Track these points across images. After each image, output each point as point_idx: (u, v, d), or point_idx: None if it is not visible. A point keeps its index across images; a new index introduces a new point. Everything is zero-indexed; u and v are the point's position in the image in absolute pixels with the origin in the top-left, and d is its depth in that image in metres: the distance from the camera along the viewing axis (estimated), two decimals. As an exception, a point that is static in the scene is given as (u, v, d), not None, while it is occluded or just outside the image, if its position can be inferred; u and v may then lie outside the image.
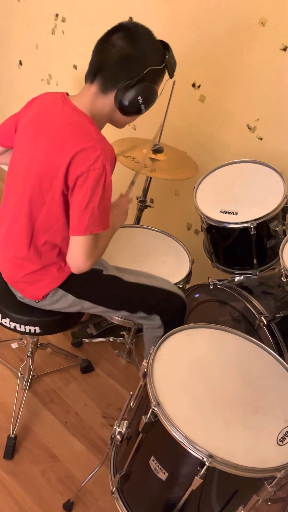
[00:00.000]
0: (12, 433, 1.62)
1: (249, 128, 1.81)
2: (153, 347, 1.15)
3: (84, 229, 1.23)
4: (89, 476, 1.50)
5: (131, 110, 1.24)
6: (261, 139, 1.80)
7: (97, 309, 1.47)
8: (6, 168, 1.42)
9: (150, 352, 1.14)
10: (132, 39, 1.19)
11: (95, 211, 1.21)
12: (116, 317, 1.65)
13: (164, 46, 1.25)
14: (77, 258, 1.29)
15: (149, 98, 1.24)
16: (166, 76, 1.29)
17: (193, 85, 1.90)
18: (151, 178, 1.93)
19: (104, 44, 1.21)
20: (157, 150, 1.79)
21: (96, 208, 1.21)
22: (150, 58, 1.21)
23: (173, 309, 1.51)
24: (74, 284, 1.42)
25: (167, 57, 1.24)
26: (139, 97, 1.21)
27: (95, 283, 1.45)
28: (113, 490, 1.22)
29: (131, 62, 1.20)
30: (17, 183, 1.33)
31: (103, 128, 1.32)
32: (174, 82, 1.69)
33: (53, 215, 1.29)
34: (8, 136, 1.39)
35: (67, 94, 1.29)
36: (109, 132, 1.89)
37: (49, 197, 1.26)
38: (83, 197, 1.20)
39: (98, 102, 1.25)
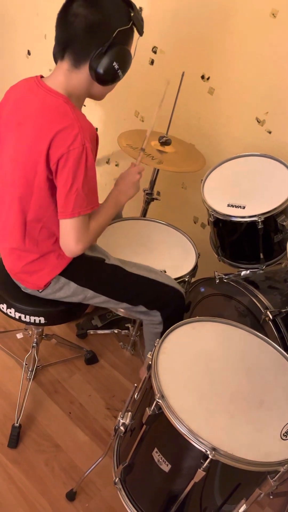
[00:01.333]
0: (17, 422, 1.64)
1: (258, 121, 1.79)
2: (158, 339, 1.16)
3: (71, 211, 1.21)
4: (92, 466, 1.51)
5: (109, 78, 1.21)
6: (270, 132, 1.78)
7: (100, 299, 1.47)
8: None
9: (155, 344, 1.14)
10: (93, 4, 1.14)
11: (80, 192, 1.19)
12: (120, 309, 1.65)
13: (128, 4, 1.19)
14: (67, 241, 1.27)
15: (125, 62, 1.20)
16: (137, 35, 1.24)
17: (202, 77, 1.88)
18: (158, 170, 1.92)
19: (65, 16, 1.16)
20: (165, 142, 1.77)
21: (81, 189, 1.19)
22: (116, 19, 1.16)
23: (173, 306, 1.51)
24: (76, 272, 1.42)
25: (132, 14, 1.18)
26: (114, 63, 1.17)
27: (98, 272, 1.45)
28: (116, 480, 1.23)
29: (98, 29, 1.15)
30: (6, 176, 1.31)
31: (83, 104, 1.29)
32: (183, 73, 1.67)
33: (43, 203, 1.27)
34: None
35: (42, 77, 1.26)
36: (116, 125, 1.87)
37: (36, 186, 1.24)
38: (66, 179, 1.18)
39: (73, 78, 1.21)
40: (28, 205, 1.29)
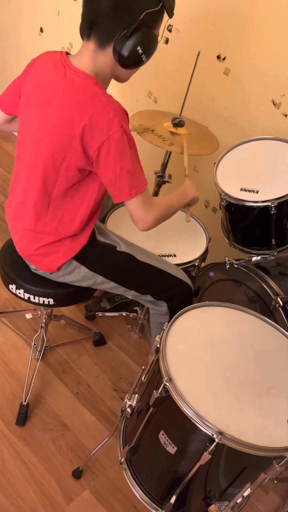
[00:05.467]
0: (25, 401, 1.66)
1: (274, 104, 1.75)
2: (166, 323, 1.15)
3: (128, 194, 1.22)
4: (99, 446, 1.53)
5: (132, 62, 1.17)
6: (286, 115, 1.74)
7: (109, 285, 1.47)
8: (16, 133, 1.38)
9: (164, 327, 1.14)
10: None
11: (132, 171, 1.19)
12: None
13: None
14: (137, 216, 1.28)
15: (150, 47, 1.15)
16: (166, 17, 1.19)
17: (218, 57, 1.84)
18: (170, 153, 1.90)
19: None
20: (178, 124, 1.74)
21: (132, 169, 1.19)
22: (144, 0, 1.10)
23: (180, 298, 1.50)
24: (88, 256, 1.41)
25: None
26: (139, 47, 1.13)
27: (109, 258, 1.45)
28: (122, 460, 1.24)
29: (124, 9, 1.10)
30: (27, 156, 1.29)
31: (108, 85, 1.26)
32: (198, 52, 1.64)
33: (68, 187, 1.26)
34: (12, 103, 1.35)
35: (67, 53, 1.22)
36: (129, 105, 1.84)
37: (64, 169, 1.23)
38: (114, 164, 1.17)
39: (99, 59, 1.17)
40: (53, 187, 1.27)
